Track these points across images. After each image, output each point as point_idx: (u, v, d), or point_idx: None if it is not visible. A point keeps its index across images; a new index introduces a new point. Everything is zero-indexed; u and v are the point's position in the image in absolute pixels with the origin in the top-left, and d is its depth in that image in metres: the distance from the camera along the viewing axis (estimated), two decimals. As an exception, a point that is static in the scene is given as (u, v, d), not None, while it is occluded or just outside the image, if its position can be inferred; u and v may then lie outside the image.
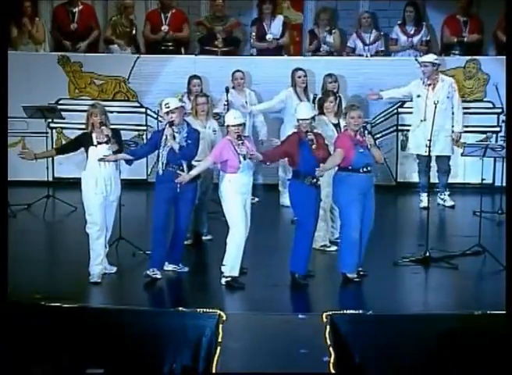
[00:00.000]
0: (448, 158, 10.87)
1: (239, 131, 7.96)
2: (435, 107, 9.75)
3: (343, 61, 11.82)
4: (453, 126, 10.71)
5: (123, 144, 8.41)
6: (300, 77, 10.62)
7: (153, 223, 8.12)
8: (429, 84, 10.61)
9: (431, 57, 10.76)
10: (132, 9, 12.34)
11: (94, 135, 8.07)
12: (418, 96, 10.66)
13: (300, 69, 10.69)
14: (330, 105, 9.15)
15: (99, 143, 8.05)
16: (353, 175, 7.95)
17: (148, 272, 8.11)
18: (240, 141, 7.91)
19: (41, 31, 12.27)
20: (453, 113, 10.70)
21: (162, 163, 8.04)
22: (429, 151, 9.08)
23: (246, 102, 10.83)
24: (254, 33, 12.29)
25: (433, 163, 10.68)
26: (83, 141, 8.12)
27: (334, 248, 8.85)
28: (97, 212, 8.05)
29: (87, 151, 8.11)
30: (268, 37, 12.17)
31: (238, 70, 10.91)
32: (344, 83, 11.09)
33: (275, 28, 12.23)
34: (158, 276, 8.10)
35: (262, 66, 11.69)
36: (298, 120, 8.08)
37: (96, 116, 8.05)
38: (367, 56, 12.02)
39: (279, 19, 12.32)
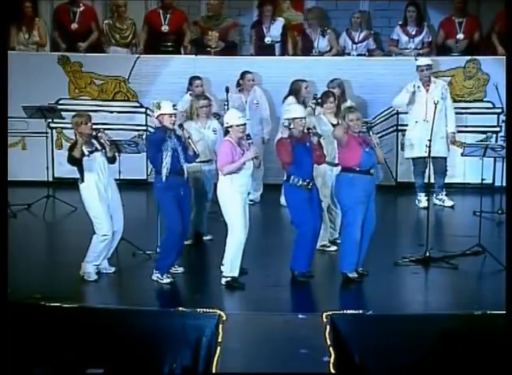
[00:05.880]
0: (444, 159, 10.88)
1: (244, 131, 7.92)
2: (435, 107, 9.82)
3: (342, 61, 11.82)
4: (446, 125, 10.74)
5: (117, 146, 8.40)
6: (306, 88, 10.43)
7: (170, 230, 8.02)
8: (427, 86, 10.67)
9: (426, 60, 10.82)
10: (124, 9, 12.28)
11: (84, 146, 7.96)
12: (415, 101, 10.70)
13: (305, 80, 10.53)
14: (330, 105, 9.16)
15: (90, 152, 8.00)
16: (361, 177, 7.92)
17: (156, 277, 8.09)
18: (250, 141, 7.88)
19: (42, 32, 12.27)
20: (445, 115, 10.74)
21: (167, 168, 7.90)
22: (429, 151, 9.09)
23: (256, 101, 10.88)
24: (253, 37, 12.25)
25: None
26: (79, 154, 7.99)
27: (334, 248, 8.87)
28: (105, 219, 8.05)
29: (80, 164, 7.99)
30: (267, 40, 12.14)
31: (248, 71, 10.88)
32: (344, 83, 11.07)
33: (274, 31, 12.18)
34: (168, 281, 8.09)
35: (262, 66, 11.67)
36: (292, 120, 8.02)
37: (86, 123, 7.97)
38: (359, 55, 12.02)
39: (280, 21, 12.25)
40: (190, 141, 8.04)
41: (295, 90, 10.49)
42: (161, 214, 8.16)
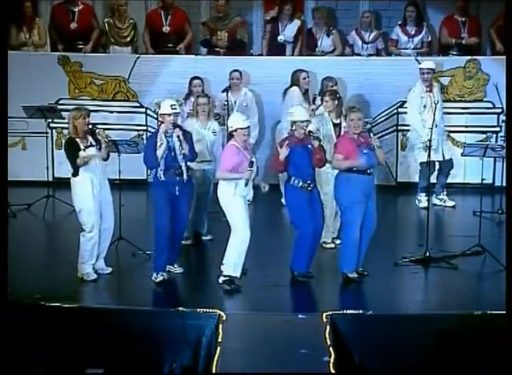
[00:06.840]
0: (451, 159, 10.90)
1: (248, 134, 7.91)
2: (435, 108, 9.85)
3: (343, 61, 11.81)
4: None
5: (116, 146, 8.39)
6: (304, 78, 10.54)
7: (157, 228, 8.05)
8: (429, 90, 10.67)
9: (431, 64, 10.79)
10: (125, 8, 12.25)
11: (78, 140, 7.96)
12: (425, 106, 10.65)
13: (304, 70, 10.62)
14: (327, 103, 9.14)
15: (86, 147, 7.99)
16: (358, 177, 7.93)
17: (154, 277, 8.09)
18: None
19: (42, 32, 12.26)
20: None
21: (162, 167, 7.95)
22: (429, 152, 9.10)
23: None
24: (267, 32, 12.25)
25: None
26: (75, 148, 8.00)
27: (332, 245, 8.89)
28: (93, 214, 8.05)
29: (74, 158, 7.98)
30: (280, 38, 12.11)
31: (235, 70, 10.89)
32: (344, 84, 11.10)
33: (289, 31, 12.14)
34: (160, 279, 8.08)
35: (262, 65, 11.67)
36: (294, 123, 8.03)
37: (84, 118, 7.96)
38: (370, 55, 12.01)
39: (296, 23, 12.20)
40: (181, 139, 8.03)
41: (294, 80, 10.56)
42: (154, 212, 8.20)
